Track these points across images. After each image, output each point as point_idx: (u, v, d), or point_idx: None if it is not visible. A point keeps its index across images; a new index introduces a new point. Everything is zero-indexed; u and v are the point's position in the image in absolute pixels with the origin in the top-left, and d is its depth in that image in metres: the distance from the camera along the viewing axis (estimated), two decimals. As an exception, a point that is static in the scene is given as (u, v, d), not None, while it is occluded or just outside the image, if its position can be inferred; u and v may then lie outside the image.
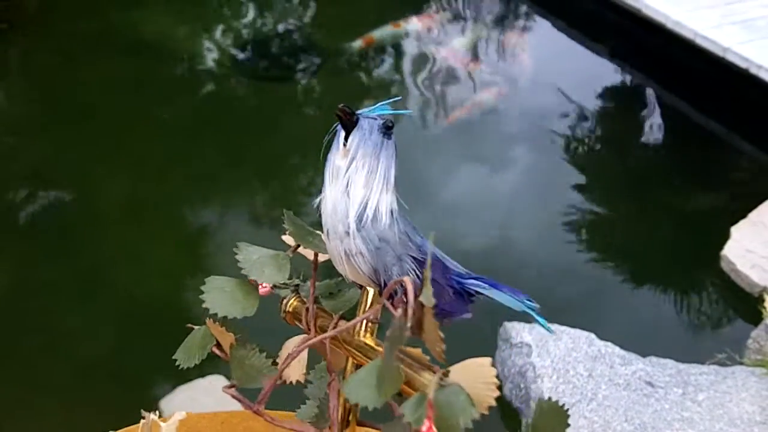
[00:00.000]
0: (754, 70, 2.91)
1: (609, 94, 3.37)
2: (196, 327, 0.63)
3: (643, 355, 1.81)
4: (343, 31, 3.63)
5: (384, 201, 0.53)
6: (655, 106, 3.18)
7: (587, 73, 3.50)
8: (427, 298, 0.44)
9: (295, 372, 0.62)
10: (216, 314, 0.58)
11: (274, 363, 0.61)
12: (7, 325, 2.06)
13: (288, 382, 0.62)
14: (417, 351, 0.48)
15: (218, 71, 3.38)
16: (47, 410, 1.81)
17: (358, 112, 0.53)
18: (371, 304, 0.58)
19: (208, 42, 3.56)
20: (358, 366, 0.58)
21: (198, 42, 3.54)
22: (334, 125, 0.54)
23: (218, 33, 3.65)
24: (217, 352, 0.62)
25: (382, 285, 0.53)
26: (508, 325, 1.85)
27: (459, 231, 2.49)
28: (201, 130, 2.98)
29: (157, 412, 0.67)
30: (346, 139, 0.53)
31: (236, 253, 0.59)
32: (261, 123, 3.08)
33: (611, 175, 2.92)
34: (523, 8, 4.00)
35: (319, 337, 0.58)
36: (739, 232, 2.28)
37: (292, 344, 0.62)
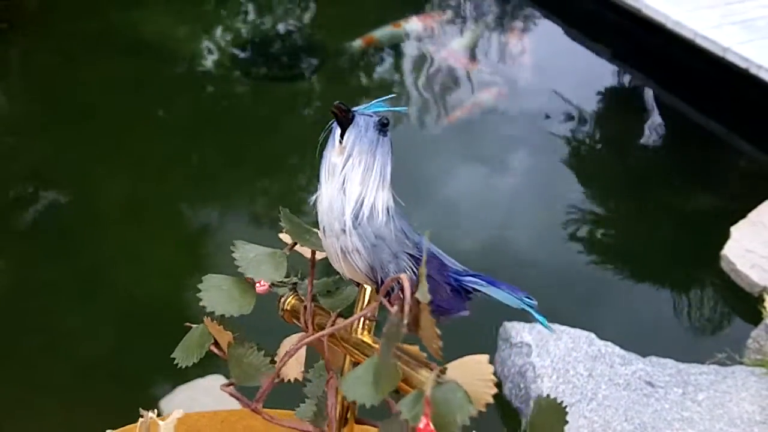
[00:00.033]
0: (754, 70, 2.91)
1: (609, 94, 3.37)
2: (194, 326, 0.63)
3: (643, 354, 1.81)
4: (343, 31, 3.63)
5: (380, 198, 0.53)
6: (654, 107, 3.18)
7: (587, 73, 3.50)
8: (423, 294, 0.44)
9: (293, 370, 0.62)
10: (215, 313, 0.58)
11: (272, 361, 0.61)
12: (7, 325, 2.06)
13: (286, 381, 0.62)
14: (414, 348, 0.48)
15: (218, 71, 3.38)
16: (47, 410, 1.81)
17: (354, 109, 0.53)
18: (368, 301, 0.58)
19: (208, 42, 3.57)
20: (355, 364, 0.58)
21: (198, 42, 3.54)
22: (330, 122, 0.54)
23: (218, 33, 3.66)
24: (215, 350, 0.62)
25: (379, 282, 0.53)
26: (507, 324, 1.85)
27: (459, 230, 2.49)
28: (201, 130, 2.98)
29: (155, 411, 0.67)
30: (342, 136, 0.53)
31: (233, 252, 0.59)
32: (261, 123, 3.08)
33: (611, 175, 2.92)
34: (523, 8, 4.00)
35: (316, 335, 0.58)
36: (738, 231, 2.28)
37: (289, 342, 0.62)
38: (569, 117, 3.08)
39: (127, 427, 0.75)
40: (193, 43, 3.53)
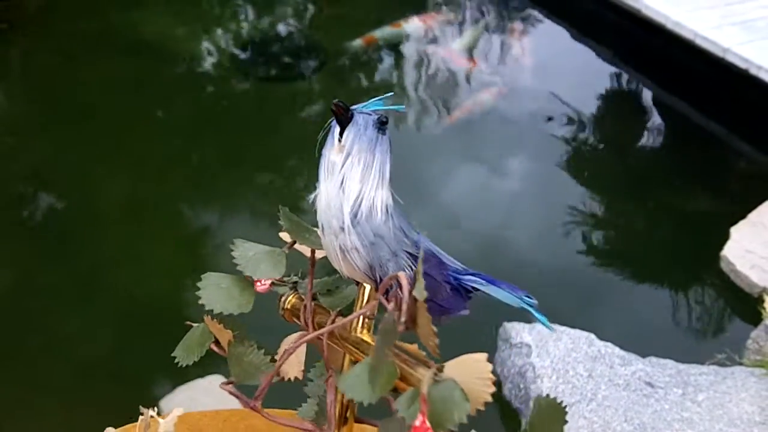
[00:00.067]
0: (753, 71, 2.91)
1: (609, 94, 3.37)
2: (195, 324, 0.63)
3: (643, 355, 1.81)
4: (343, 31, 3.63)
5: (379, 196, 0.53)
6: (653, 108, 3.18)
7: (587, 74, 3.50)
8: (419, 291, 0.44)
9: (293, 369, 0.62)
10: (213, 311, 0.58)
11: (273, 360, 0.61)
12: (7, 325, 2.06)
13: (286, 379, 0.62)
14: (413, 347, 0.48)
15: (218, 71, 3.38)
16: (47, 410, 1.81)
17: (353, 107, 0.53)
18: (368, 300, 0.58)
19: (208, 42, 3.57)
20: (355, 362, 0.58)
21: (198, 42, 3.54)
22: (329, 121, 0.54)
23: (218, 33, 3.66)
24: (216, 349, 0.62)
25: (378, 281, 0.53)
26: (507, 325, 1.85)
27: (459, 230, 2.49)
28: (201, 130, 2.98)
29: (155, 409, 0.67)
30: (341, 134, 0.53)
31: (232, 250, 0.59)
32: (261, 123, 3.08)
33: (611, 175, 2.92)
34: (523, 9, 4.00)
35: (315, 333, 0.58)
36: (738, 232, 2.28)
37: (290, 341, 0.62)
38: (569, 117, 3.08)
39: (127, 426, 0.75)
40: (193, 43, 3.53)
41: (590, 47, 3.64)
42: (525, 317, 1.82)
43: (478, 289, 0.56)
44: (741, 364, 1.83)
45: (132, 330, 2.06)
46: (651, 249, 2.54)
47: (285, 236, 0.61)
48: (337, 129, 0.53)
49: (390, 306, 0.46)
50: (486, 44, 3.69)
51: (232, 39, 3.62)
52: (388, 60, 3.54)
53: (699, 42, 3.10)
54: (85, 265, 2.28)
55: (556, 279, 2.29)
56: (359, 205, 0.52)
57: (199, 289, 0.59)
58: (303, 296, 0.62)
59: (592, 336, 1.82)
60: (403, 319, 0.44)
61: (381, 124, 0.53)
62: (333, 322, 0.59)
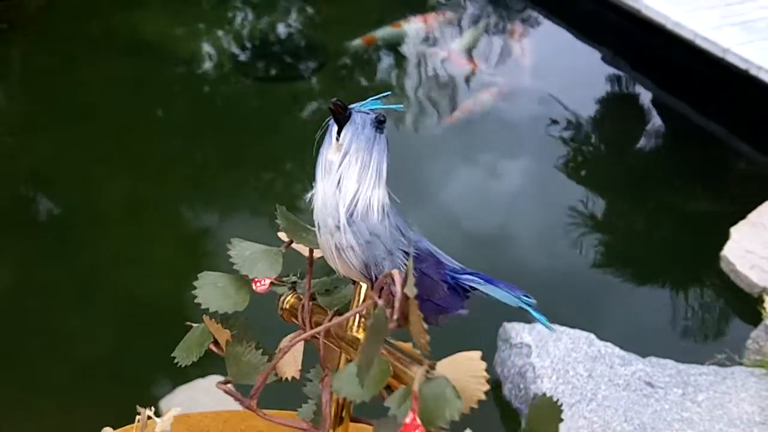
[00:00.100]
0: (753, 71, 2.91)
1: (608, 95, 3.37)
2: (195, 325, 0.64)
3: (643, 355, 1.81)
4: (343, 31, 3.63)
5: (376, 195, 0.53)
6: (653, 108, 3.18)
7: (587, 74, 3.50)
8: (410, 288, 0.44)
9: (290, 368, 0.62)
10: (209, 309, 0.58)
11: (271, 360, 0.61)
12: (7, 325, 2.06)
13: (283, 379, 0.62)
14: (407, 345, 0.48)
15: (218, 71, 3.38)
16: (47, 411, 1.81)
17: (351, 106, 0.53)
18: (364, 299, 0.58)
19: (208, 42, 3.57)
20: (350, 362, 0.58)
21: (198, 42, 3.54)
22: (327, 120, 0.54)
23: (218, 33, 3.66)
24: (214, 349, 0.62)
25: (374, 279, 0.53)
26: (507, 325, 1.85)
27: (459, 230, 2.49)
28: (201, 130, 2.98)
29: (152, 409, 0.67)
30: (338, 133, 0.53)
31: (229, 249, 0.59)
32: (261, 123, 3.08)
33: (611, 175, 2.92)
34: (523, 9, 4.00)
35: (310, 332, 0.58)
36: (738, 232, 2.28)
37: (288, 341, 0.62)
38: (569, 118, 3.08)
39: (126, 427, 0.75)
40: (193, 43, 3.53)
41: (590, 47, 3.64)
42: (525, 317, 1.82)
43: (476, 289, 0.56)
44: (741, 364, 1.83)
45: (132, 330, 2.06)
46: (651, 249, 2.54)
47: (283, 235, 0.61)
48: (335, 128, 0.53)
49: (379, 302, 0.46)
50: (486, 44, 3.69)
51: (232, 39, 3.62)
52: (388, 60, 3.54)
53: (699, 42, 3.10)
54: (85, 265, 2.28)
55: (556, 279, 2.29)
56: (355, 204, 0.52)
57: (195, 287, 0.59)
58: (302, 296, 0.62)
59: (592, 336, 1.82)
60: (395, 316, 0.44)
61: (379, 123, 0.53)
62: (330, 321, 0.59)
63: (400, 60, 3.53)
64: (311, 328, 0.60)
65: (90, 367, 1.95)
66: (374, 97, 0.54)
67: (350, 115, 0.53)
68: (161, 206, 2.60)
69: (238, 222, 2.57)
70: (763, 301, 1.99)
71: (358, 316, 0.57)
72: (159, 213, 2.57)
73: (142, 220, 2.52)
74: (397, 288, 0.45)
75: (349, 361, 0.59)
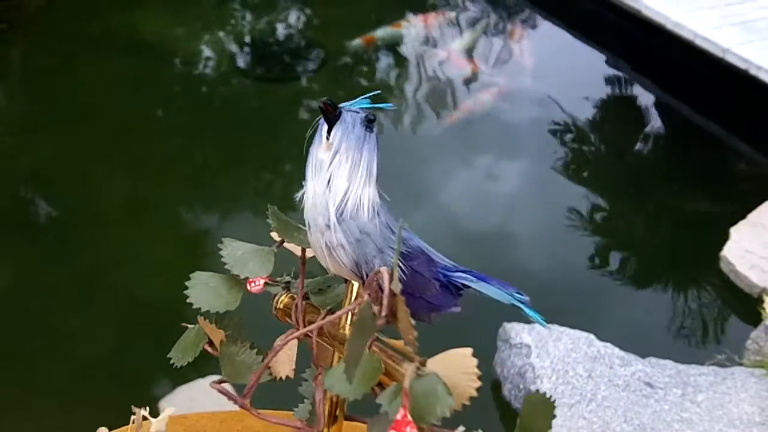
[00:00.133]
0: (753, 71, 2.91)
1: (608, 95, 3.37)
2: (190, 326, 0.64)
3: (643, 356, 1.81)
4: (343, 31, 3.63)
5: (366, 194, 0.53)
6: (653, 109, 3.18)
7: (587, 74, 3.50)
8: (395, 283, 0.44)
9: (285, 367, 0.62)
10: (201, 309, 0.59)
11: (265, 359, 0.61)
12: (7, 325, 2.06)
13: (278, 378, 0.63)
14: (398, 342, 0.48)
15: (218, 71, 3.38)
16: (46, 411, 1.81)
17: (341, 105, 0.54)
18: (356, 297, 0.59)
19: (208, 42, 3.57)
20: (343, 360, 0.58)
21: (198, 42, 3.55)
22: (317, 119, 0.54)
23: (218, 33, 3.66)
24: (209, 349, 0.62)
25: (365, 277, 0.53)
26: (507, 325, 1.85)
27: (458, 231, 2.49)
28: (201, 130, 2.98)
29: (146, 409, 0.67)
30: (328, 132, 0.53)
31: (221, 249, 0.59)
32: (261, 123, 3.08)
33: (611, 176, 2.92)
34: (523, 9, 4.00)
35: (303, 330, 0.58)
36: (738, 233, 2.28)
37: (281, 340, 0.62)
38: (568, 118, 3.09)
39: (123, 427, 0.75)
40: (193, 43, 3.53)
41: (590, 48, 3.64)
42: (525, 318, 1.82)
43: (468, 286, 0.56)
44: (741, 364, 1.83)
45: (132, 330, 2.06)
46: (651, 249, 2.54)
47: (275, 235, 0.62)
48: (325, 127, 0.53)
49: (365, 298, 0.46)
50: (486, 45, 3.69)
51: (232, 39, 3.62)
52: (388, 60, 3.54)
53: (699, 42, 3.10)
54: (85, 265, 2.28)
55: (556, 279, 2.29)
56: (345, 203, 0.52)
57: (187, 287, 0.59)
58: (295, 296, 0.62)
59: (592, 336, 1.82)
60: (383, 313, 0.44)
61: (368, 123, 0.54)
62: (322, 320, 0.59)
63: (400, 60, 3.53)
64: (305, 327, 0.60)
65: (90, 367, 1.95)
66: (364, 96, 0.54)
67: (340, 114, 0.53)
68: (161, 206, 2.60)
69: (237, 222, 2.57)
70: (762, 301, 1.99)
71: (350, 314, 0.57)
72: (159, 213, 2.57)
73: (142, 220, 2.52)
74: (385, 285, 0.45)
75: (342, 359, 0.59)
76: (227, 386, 0.62)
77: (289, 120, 3.10)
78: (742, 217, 2.33)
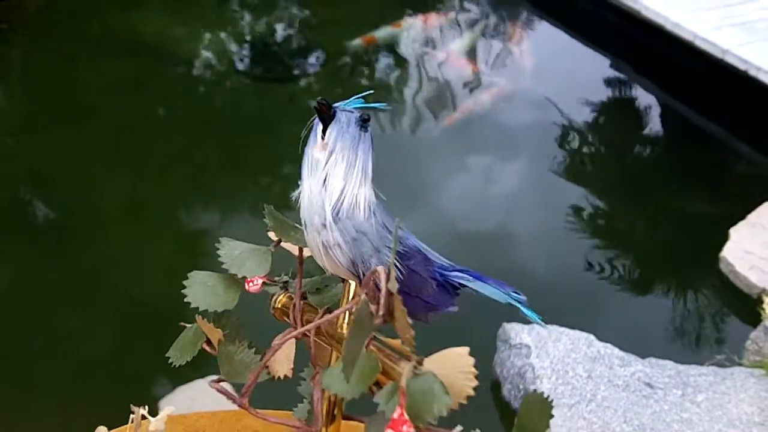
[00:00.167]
0: (753, 72, 2.91)
1: (608, 96, 3.37)
2: (188, 325, 0.64)
3: (642, 356, 1.81)
4: (343, 31, 3.63)
5: (362, 194, 0.53)
6: (653, 109, 3.18)
7: (586, 75, 3.50)
8: (392, 283, 0.44)
9: (283, 367, 0.62)
10: (198, 308, 0.59)
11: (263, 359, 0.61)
12: (7, 325, 2.06)
13: (276, 378, 0.63)
14: (396, 341, 0.49)
15: (218, 71, 3.38)
16: (46, 412, 1.81)
17: (335, 105, 0.54)
18: (353, 296, 0.59)
19: (208, 42, 3.57)
20: (342, 359, 0.59)
21: (198, 42, 3.55)
22: (312, 119, 0.54)
23: (218, 33, 3.66)
24: (207, 348, 0.62)
25: (361, 276, 0.53)
26: (507, 326, 1.85)
27: (458, 231, 2.49)
28: (201, 130, 2.98)
29: (146, 407, 0.67)
30: (323, 132, 0.53)
31: (218, 249, 0.60)
32: (261, 123, 3.08)
33: (610, 176, 2.93)
34: (523, 10, 4.00)
35: (300, 330, 0.59)
36: (737, 233, 2.28)
37: (279, 339, 0.62)
38: (568, 119, 3.09)
39: (122, 427, 0.75)
40: (193, 43, 3.53)
41: (589, 49, 3.64)
42: (524, 318, 1.82)
43: (465, 286, 0.56)
44: (740, 364, 1.83)
45: (132, 330, 2.06)
46: (650, 250, 2.54)
47: (273, 235, 0.62)
48: (320, 126, 0.54)
49: (363, 297, 0.46)
50: (485, 45, 3.69)
51: (231, 39, 3.63)
52: (387, 60, 3.55)
53: (698, 43, 3.10)
54: (85, 265, 2.28)
55: (556, 280, 2.29)
56: (342, 202, 0.53)
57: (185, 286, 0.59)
58: (293, 295, 0.63)
59: (592, 337, 1.82)
60: (380, 312, 0.45)
61: (363, 122, 0.54)
62: (320, 319, 0.59)
63: (399, 60, 3.53)
64: (302, 326, 0.60)
65: (90, 367, 1.95)
66: (357, 96, 0.55)
67: (335, 113, 0.53)
68: (161, 206, 2.60)
69: (237, 222, 2.57)
70: (762, 301, 1.99)
71: (347, 313, 0.57)
72: (159, 213, 2.57)
73: (142, 220, 2.52)
74: (382, 285, 0.45)
75: (339, 358, 0.59)
76: (226, 386, 0.62)
77: (288, 120, 3.10)
78: (742, 217, 2.33)
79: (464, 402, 0.44)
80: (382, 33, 3.56)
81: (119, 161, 2.75)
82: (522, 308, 0.55)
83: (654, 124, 3.24)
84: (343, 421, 0.62)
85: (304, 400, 0.65)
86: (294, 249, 0.62)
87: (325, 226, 0.53)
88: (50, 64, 3.29)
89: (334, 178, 0.52)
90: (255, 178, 2.82)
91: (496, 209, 2.67)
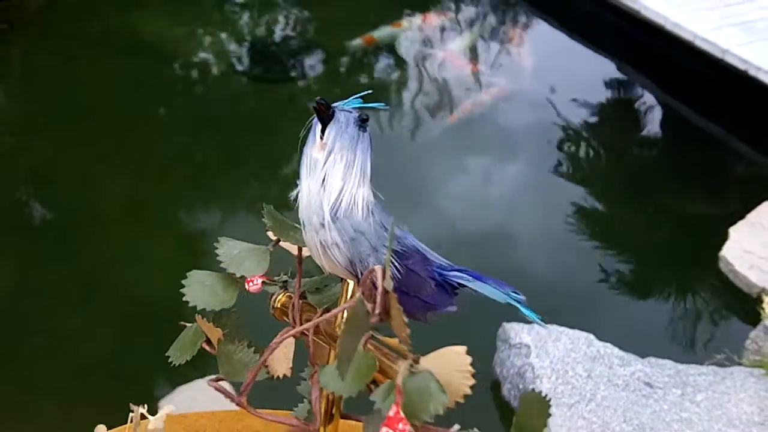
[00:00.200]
0: (753, 72, 2.91)
1: (607, 96, 3.37)
2: (188, 325, 0.64)
3: (642, 355, 1.81)
4: (343, 31, 3.64)
5: (360, 193, 0.53)
6: (652, 109, 3.18)
7: (586, 75, 3.50)
8: (387, 281, 0.44)
9: (282, 366, 0.62)
10: (197, 307, 0.59)
11: None
12: (7, 325, 2.06)
13: (275, 377, 0.63)
14: (393, 340, 0.49)
15: (218, 71, 3.39)
16: (46, 412, 1.81)
17: (334, 105, 0.54)
18: (352, 296, 0.59)
19: (208, 42, 3.57)
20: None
21: (197, 43, 3.55)
22: (310, 119, 0.54)
23: (218, 33, 3.66)
24: (207, 347, 0.62)
25: (359, 276, 0.54)
26: (506, 325, 1.86)
27: (457, 231, 2.49)
28: (201, 130, 2.98)
29: (145, 406, 0.68)
30: (322, 132, 0.53)
31: (217, 248, 0.60)
32: (261, 123, 3.08)
33: (610, 176, 2.93)
34: (523, 10, 4.00)
35: (299, 329, 0.59)
36: (737, 233, 2.28)
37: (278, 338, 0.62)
38: (567, 119, 3.09)
39: (121, 426, 0.75)
40: (193, 43, 3.53)
41: (589, 49, 3.64)
42: (524, 318, 1.82)
43: (464, 285, 0.56)
44: (740, 364, 1.83)
45: (132, 330, 2.06)
46: (650, 249, 2.54)
47: (272, 234, 0.62)
48: (319, 126, 0.54)
49: (358, 295, 0.46)
50: (485, 45, 3.69)
51: (231, 39, 3.63)
52: (387, 60, 3.55)
53: (698, 43, 3.10)
54: (85, 265, 2.28)
55: (556, 279, 2.29)
56: (340, 202, 0.53)
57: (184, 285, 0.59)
58: (293, 295, 0.63)
59: (592, 336, 1.82)
60: (377, 310, 0.45)
61: (362, 122, 0.54)
62: (318, 318, 0.59)
63: (399, 60, 3.53)
64: (301, 325, 0.61)
65: (90, 367, 1.95)
66: (356, 96, 0.55)
67: (334, 113, 0.53)
68: (161, 206, 2.60)
69: (237, 222, 2.57)
70: (761, 301, 1.99)
71: (345, 312, 0.57)
72: (159, 213, 2.57)
73: (142, 220, 2.52)
74: (379, 283, 0.45)
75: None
76: (226, 385, 0.62)
77: (288, 120, 3.10)
78: (741, 217, 2.33)
79: (461, 401, 0.44)
80: (382, 33, 3.56)
81: (119, 161, 2.75)
82: (521, 308, 0.55)
83: (654, 124, 3.24)
84: (342, 420, 0.62)
85: (304, 399, 0.65)
86: (293, 248, 0.62)
87: (323, 225, 0.53)
88: (50, 64, 3.29)
89: (333, 177, 0.53)
90: (255, 177, 2.82)
91: (495, 209, 2.67)
